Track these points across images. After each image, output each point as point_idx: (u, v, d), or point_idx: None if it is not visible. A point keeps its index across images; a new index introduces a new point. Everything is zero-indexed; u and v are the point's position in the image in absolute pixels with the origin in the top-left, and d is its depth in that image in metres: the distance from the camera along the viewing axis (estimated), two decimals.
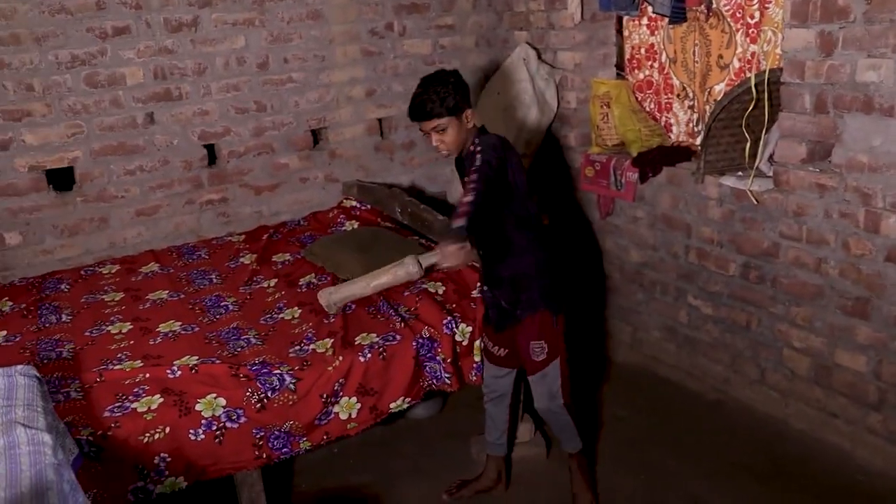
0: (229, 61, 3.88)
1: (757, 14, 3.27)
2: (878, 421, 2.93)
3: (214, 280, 3.40)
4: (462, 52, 4.49)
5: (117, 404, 2.42)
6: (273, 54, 3.98)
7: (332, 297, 2.96)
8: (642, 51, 3.92)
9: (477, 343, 2.90)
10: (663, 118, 3.89)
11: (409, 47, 4.33)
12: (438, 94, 2.51)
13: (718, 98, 3.54)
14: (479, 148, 2.52)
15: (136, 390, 2.49)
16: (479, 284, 2.93)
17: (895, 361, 2.82)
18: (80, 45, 3.53)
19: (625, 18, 3.95)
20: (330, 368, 2.63)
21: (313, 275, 3.34)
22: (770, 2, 3.18)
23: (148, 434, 2.35)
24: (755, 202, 3.17)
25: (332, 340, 2.77)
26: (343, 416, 2.68)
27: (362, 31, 4.18)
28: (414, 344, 2.78)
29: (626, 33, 4.00)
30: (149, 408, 2.40)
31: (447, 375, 2.86)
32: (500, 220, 2.61)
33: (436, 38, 4.40)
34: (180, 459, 2.39)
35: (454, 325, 2.86)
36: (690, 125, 3.78)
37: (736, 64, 3.46)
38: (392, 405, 2.78)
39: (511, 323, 2.73)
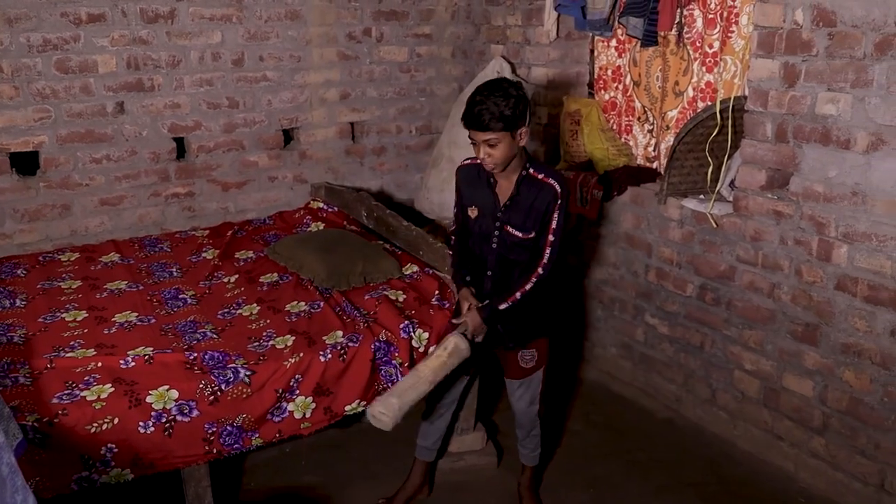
0: (204, 56, 3.86)
1: (716, 44, 3.33)
2: (821, 445, 3.00)
3: (175, 273, 3.37)
4: (438, 62, 4.53)
5: (66, 392, 2.39)
6: (249, 51, 3.97)
7: (397, 413, 2.51)
8: (609, 72, 3.97)
9: (431, 349, 2.90)
10: (623, 140, 3.94)
11: (385, 53, 4.35)
12: (498, 107, 2.35)
13: (671, 125, 3.60)
14: (555, 184, 2.49)
15: (86, 379, 2.46)
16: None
17: (840, 388, 2.89)
18: (52, 29, 3.49)
19: (596, 39, 4.01)
20: (286, 363, 2.63)
21: (275, 273, 3.33)
22: (733, 32, 3.25)
23: (96, 424, 2.32)
24: (714, 225, 3.23)
25: (294, 338, 2.77)
26: (297, 415, 2.67)
27: (340, 34, 4.20)
28: (371, 347, 2.79)
29: (595, 53, 4.06)
30: (98, 397, 2.38)
31: None
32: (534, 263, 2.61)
33: (413, 46, 4.43)
34: (128, 451, 2.37)
35: (411, 330, 2.87)
36: (648, 149, 3.84)
37: (690, 92, 3.52)
38: (347, 407, 2.78)
39: (498, 347, 2.76)
